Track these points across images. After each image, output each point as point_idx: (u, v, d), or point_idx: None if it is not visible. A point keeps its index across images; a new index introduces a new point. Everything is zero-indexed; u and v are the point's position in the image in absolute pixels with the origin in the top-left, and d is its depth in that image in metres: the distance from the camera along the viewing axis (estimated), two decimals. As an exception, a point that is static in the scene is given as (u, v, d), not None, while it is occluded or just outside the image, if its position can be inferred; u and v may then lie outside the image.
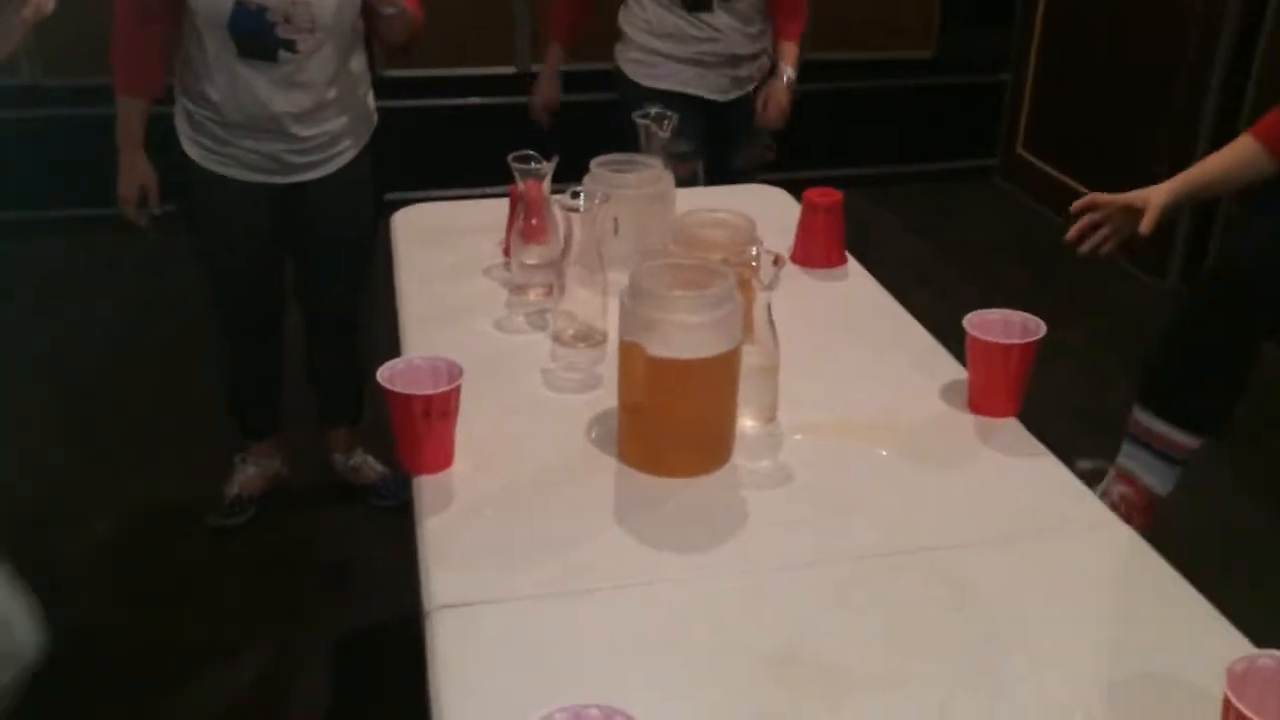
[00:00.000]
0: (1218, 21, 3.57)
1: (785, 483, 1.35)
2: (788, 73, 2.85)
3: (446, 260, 1.92)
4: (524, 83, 4.24)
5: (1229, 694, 0.89)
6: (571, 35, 2.90)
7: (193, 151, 2.26)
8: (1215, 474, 2.72)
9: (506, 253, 1.89)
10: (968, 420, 1.48)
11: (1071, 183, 4.20)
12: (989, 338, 1.46)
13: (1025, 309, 1.49)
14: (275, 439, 2.67)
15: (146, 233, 2.34)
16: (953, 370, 1.59)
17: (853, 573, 1.20)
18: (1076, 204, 1.86)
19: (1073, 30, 4.31)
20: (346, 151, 2.33)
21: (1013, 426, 1.47)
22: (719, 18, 2.70)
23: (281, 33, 2.12)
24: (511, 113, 4.20)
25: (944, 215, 4.43)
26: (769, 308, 1.41)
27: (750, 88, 2.83)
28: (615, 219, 1.78)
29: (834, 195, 1.91)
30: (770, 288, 1.40)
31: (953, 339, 1.65)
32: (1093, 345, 3.30)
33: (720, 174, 2.81)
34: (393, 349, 1.79)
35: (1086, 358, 3.27)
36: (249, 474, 2.64)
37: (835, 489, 1.34)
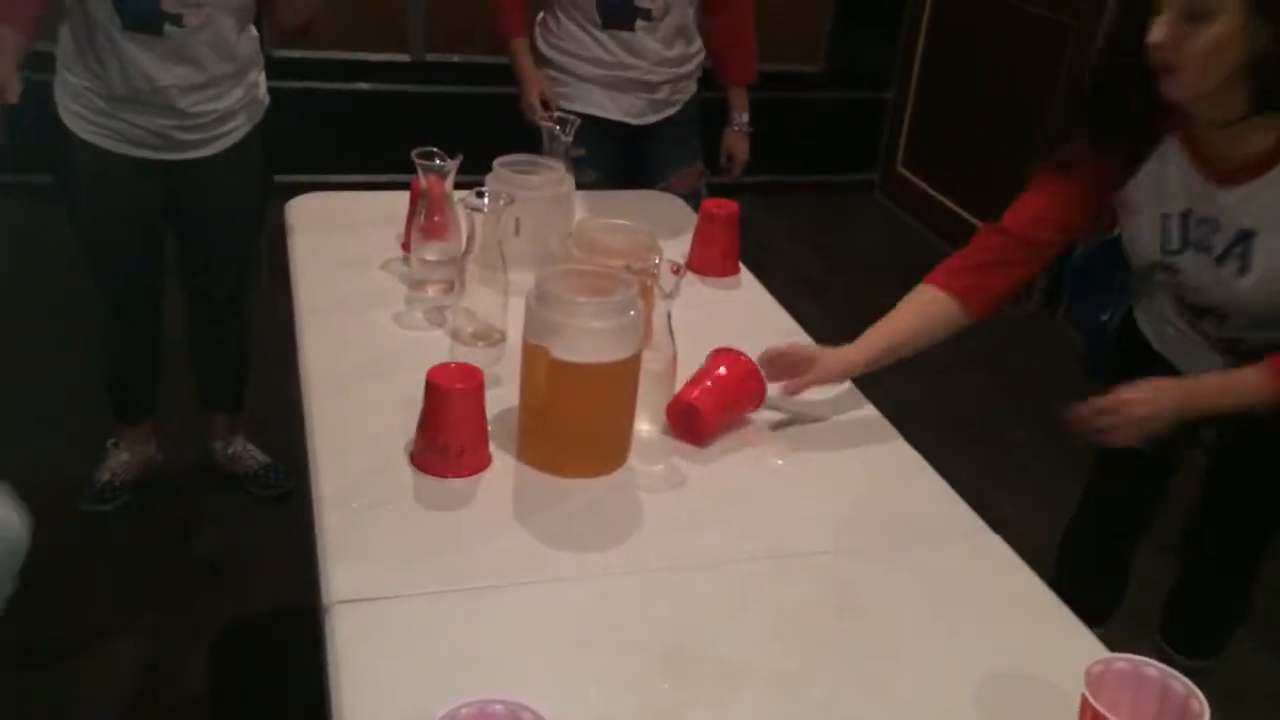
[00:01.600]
0: (1087, 53, 3.76)
1: (679, 486, 1.40)
2: (740, 120, 2.74)
3: (344, 251, 1.91)
4: (417, 71, 4.22)
5: (1087, 694, 0.97)
6: (526, 23, 2.60)
7: (73, 123, 2.18)
8: (1076, 491, 2.88)
9: (405, 247, 1.90)
10: (854, 430, 1.55)
11: (946, 201, 4.38)
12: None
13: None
14: (150, 424, 2.60)
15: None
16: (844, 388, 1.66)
17: (741, 574, 1.25)
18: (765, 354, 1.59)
19: (954, 52, 4.49)
20: (236, 131, 2.29)
21: (895, 438, 1.54)
22: (638, 38, 2.51)
23: (167, 6, 2.07)
24: (404, 100, 4.18)
25: (828, 227, 4.56)
26: (669, 315, 1.45)
27: (670, 112, 2.65)
28: (517, 220, 1.80)
29: (730, 206, 1.97)
30: (671, 296, 1.44)
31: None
32: (959, 360, 3.45)
33: None
34: (280, 336, 1.77)
35: (953, 372, 3.42)
36: (121, 459, 2.57)
37: (726, 493, 1.39)
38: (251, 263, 2.48)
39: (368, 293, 1.79)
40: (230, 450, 2.65)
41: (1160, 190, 1.58)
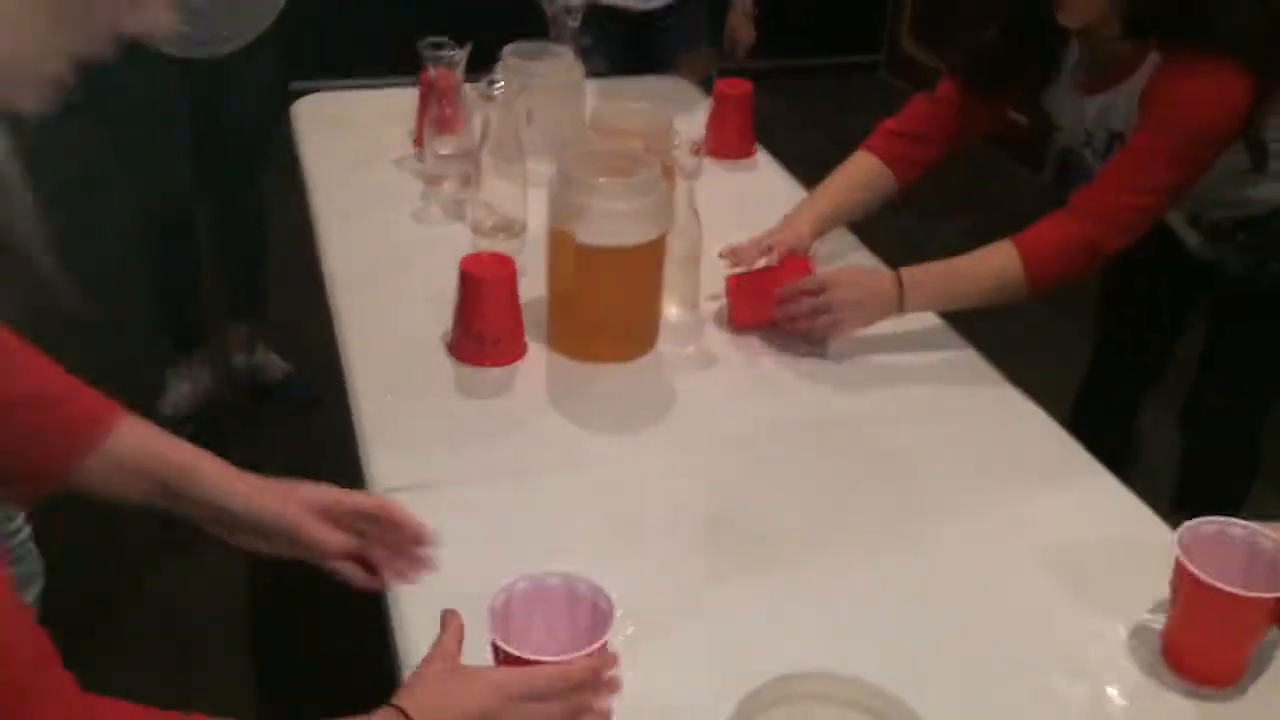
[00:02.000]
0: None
1: (709, 366, 1.41)
2: (744, 2, 2.67)
3: (356, 150, 1.90)
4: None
5: (1182, 558, 0.96)
6: None
7: None
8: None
9: (418, 143, 1.87)
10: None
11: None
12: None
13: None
14: (203, 350, 2.60)
15: None
16: (863, 256, 1.65)
17: (777, 446, 1.27)
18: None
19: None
20: (249, 29, 2.25)
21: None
22: None
23: None
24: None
25: (834, 109, 4.46)
26: (691, 195, 1.44)
27: None
28: (529, 109, 1.77)
29: (744, 85, 1.94)
30: (693, 176, 1.43)
31: (857, 227, 1.72)
32: (970, 236, 3.43)
33: None
34: (296, 240, 1.76)
35: (965, 247, 3.40)
36: (182, 391, 2.57)
37: (757, 371, 1.40)
38: (267, 159, 2.45)
39: (383, 192, 1.78)
40: (253, 361, 2.66)
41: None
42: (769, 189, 1.86)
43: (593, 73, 2.21)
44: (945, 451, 1.28)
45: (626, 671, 0.86)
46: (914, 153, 1.65)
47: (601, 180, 1.31)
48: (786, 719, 0.88)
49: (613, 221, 1.29)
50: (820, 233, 1.59)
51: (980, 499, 1.21)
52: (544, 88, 1.79)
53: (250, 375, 2.66)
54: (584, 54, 2.01)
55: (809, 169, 2.02)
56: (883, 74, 4.84)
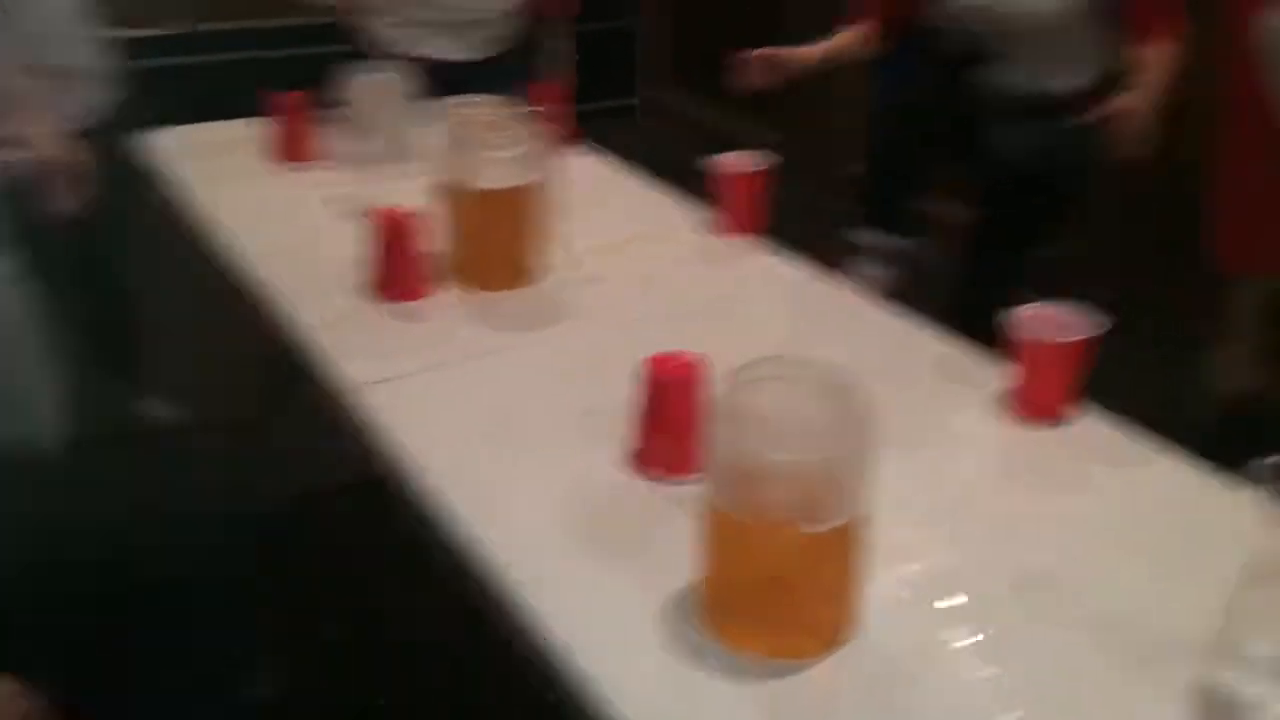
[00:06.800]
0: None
1: (595, 283, 1.72)
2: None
3: (220, 168, 2.13)
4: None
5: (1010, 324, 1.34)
6: None
7: None
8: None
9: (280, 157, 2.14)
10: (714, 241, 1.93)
11: (706, 113, 4.84)
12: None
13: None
14: None
15: None
16: (680, 214, 2.03)
17: (654, 330, 1.59)
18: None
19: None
20: None
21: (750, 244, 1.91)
22: None
23: None
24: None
25: (601, 145, 4.92)
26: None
27: (492, 51, 2.81)
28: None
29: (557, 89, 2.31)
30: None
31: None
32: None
33: None
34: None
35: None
36: None
37: (627, 282, 1.73)
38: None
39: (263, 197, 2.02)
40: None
41: None
42: (592, 167, 2.23)
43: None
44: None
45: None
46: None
47: (489, 136, 1.61)
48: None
49: (503, 167, 1.60)
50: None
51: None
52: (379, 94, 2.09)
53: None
54: None
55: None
56: (638, 116, 5.37)
